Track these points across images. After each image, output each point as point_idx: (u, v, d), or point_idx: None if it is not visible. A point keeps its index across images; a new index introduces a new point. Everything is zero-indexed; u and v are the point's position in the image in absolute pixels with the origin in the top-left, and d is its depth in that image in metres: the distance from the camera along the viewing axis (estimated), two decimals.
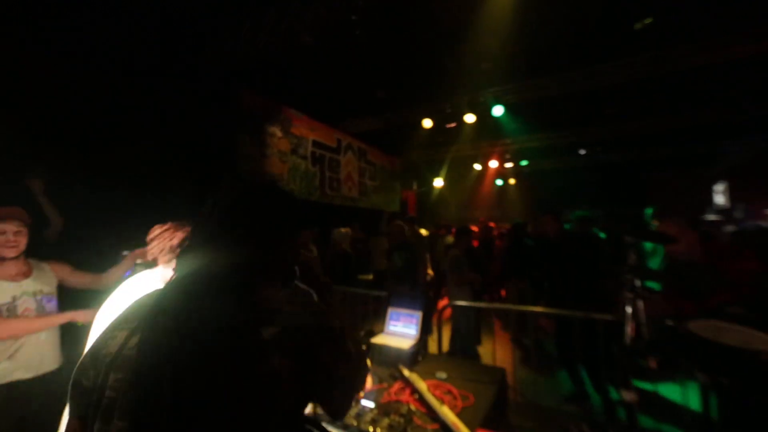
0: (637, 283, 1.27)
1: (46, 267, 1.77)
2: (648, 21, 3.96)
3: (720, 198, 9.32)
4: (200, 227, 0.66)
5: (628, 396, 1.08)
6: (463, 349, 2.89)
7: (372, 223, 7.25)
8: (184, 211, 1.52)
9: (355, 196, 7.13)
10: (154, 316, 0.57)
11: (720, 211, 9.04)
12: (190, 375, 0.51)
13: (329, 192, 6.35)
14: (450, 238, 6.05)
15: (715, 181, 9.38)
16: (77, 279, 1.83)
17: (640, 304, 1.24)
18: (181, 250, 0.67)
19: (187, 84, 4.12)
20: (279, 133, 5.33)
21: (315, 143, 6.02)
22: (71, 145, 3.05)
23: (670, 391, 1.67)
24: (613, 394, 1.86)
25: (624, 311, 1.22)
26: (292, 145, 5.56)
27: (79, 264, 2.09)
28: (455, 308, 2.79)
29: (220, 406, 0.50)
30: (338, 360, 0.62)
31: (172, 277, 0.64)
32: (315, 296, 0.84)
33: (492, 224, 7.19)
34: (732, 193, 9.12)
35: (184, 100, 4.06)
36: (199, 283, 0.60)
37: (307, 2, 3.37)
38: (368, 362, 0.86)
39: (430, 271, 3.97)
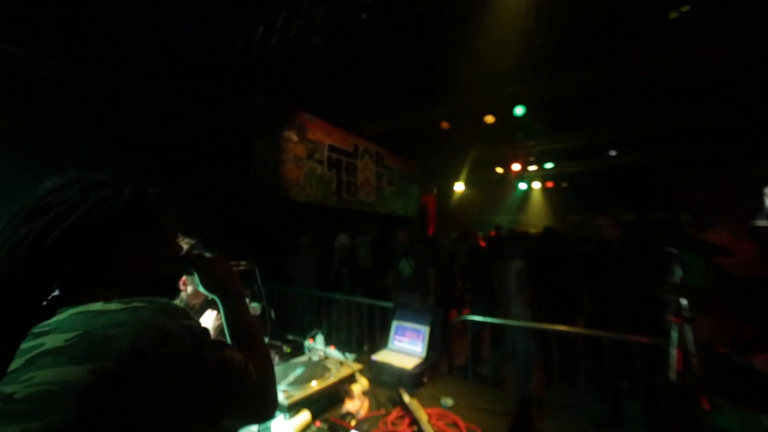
0: (684, 303, 1.04)
1: None
2: (685, 9, 3.62)
3: None
4: None
5: None
6: (519, 377, 2.58)
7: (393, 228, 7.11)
8: (193, 217, 1.45)
9: (372, 201, 7.00)
10: None
11: None
12: None
13: (346, 197, 6.26)
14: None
15: (764, 183, 8.54)
16: None
17: (688, 329, 1.01)
18: None
19: (202, 89, 4.16)
20: (295, 138, 5.31)
21: (331, 148, 5.96)
22: (81, 152, 3.09)
23: None
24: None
25: (669, 338, 0.99)
26: (308, 150, 5.52)
27: None
28: (512, 327, 2.55)
29: None
30: (177, 366, 0.47)
31: None
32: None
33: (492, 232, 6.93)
34: None
35: (198, 106, 4.10)
36: None
37: (316, 3, 3.30)
38: (273, 379, 0.68)
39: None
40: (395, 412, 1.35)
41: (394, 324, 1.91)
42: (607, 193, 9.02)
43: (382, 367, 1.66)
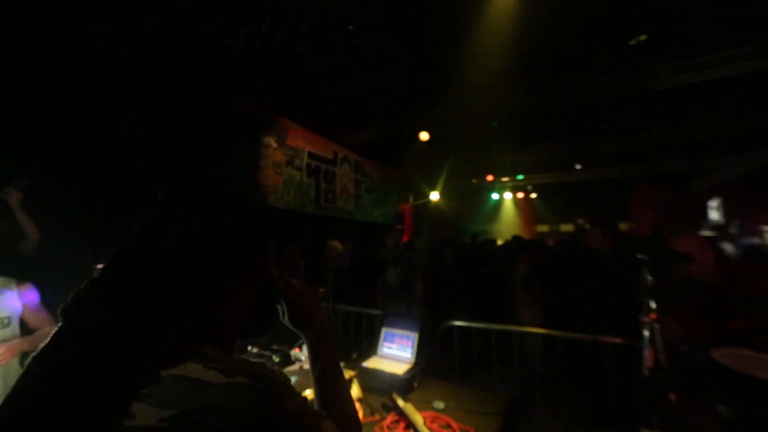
0: (653, 305, 1.16)
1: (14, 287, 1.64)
2: (642, 38, 4.00)
3: (714, 214, 9.33)
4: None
5: None
6: (526, 378, 2.61)
7: (372, 236, 7.14)
8: None
9: (350, 208, 7.02)
10: None
11: (714, 227, 9.03)
12: None
13: (324, 204, 6.24)
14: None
15: (708, 196, 9.41)
16: (35, 317, 1.67)
17: (657, 328, 1.12)
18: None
19: (180, 93, 4.04)
20: (274, 144, 5.25)
21: (310, 155, 5.94)
22: (51, 155, 2.93)
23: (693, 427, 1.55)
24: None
25: (642, 337, 1.10)
26: (287, 156, 5.48)
27: (56, 279, 1.96)
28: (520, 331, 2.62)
29: None
30: None
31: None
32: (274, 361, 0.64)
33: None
34: (726, 209, 9.14)
35: (175, 110, 3.98)
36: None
37: (305, 11, 3.34)
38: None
39: None
40: (390, 417, 1.38)
41: (383, 331, 1.94)
42: (573, 205, 9.56)
43: (374, 374, 1.69)
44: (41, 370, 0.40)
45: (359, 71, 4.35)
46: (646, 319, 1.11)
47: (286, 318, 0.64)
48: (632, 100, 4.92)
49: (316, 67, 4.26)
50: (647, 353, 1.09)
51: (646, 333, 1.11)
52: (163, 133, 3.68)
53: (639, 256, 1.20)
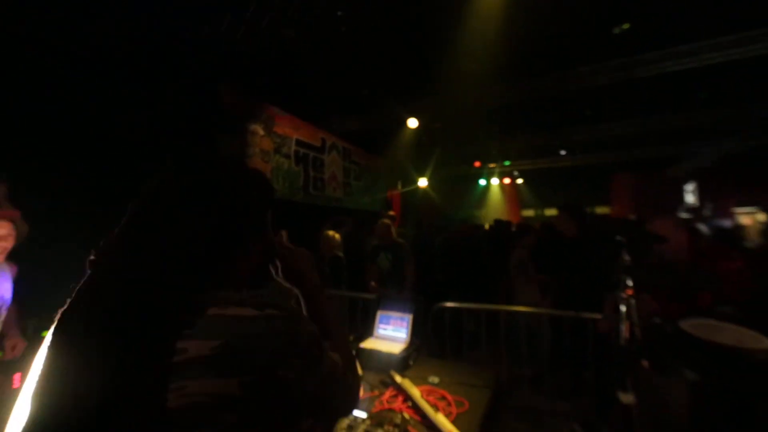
0: (630, 282, 1.26)
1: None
2: (626, 26, 4.08)
3: (690, 197, 9.76)
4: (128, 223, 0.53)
5: (625, 398, 1.07)
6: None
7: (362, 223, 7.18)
8: None
9: (339, 196, 7.03)
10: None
11: (690, 209, 9.47)
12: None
13: (313, 192, 6.23)
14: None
15: (684, 181, 9.82)
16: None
17: (633, 304, 1.23)
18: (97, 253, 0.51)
19: (163, 80, 3.93)
20: (261, 132, 5.18)
21: (299, 142, 5.89)
22: (36, 145, 2.85)
23: (662, 391, 1.70)
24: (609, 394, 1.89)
25: (619, 311, 1.21)
26: (275, 144, 5.42)
27: (46, 272, 1.96)
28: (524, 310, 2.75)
29: None
30: (308, 378, 0.50)
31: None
32: (296, 298, 0.71)
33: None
34: (700, 193, 9.57)
35: (159, 98, 3.87)
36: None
37: None
38: (359, 372, 0.73)
39: None
40: (388, 392, 1.47)
41: (379, 314, 2.02)
42: (563, 190, 9.80)
43: (371, 354, 1.78)
44: (87, 321, 0.46)
45: (347, 58, 4.31)
46: (623, 295, 1.21)
47: (280, 274, 0.70)
48: (615, 88, 5.04)
49: (304, 53, 4.20)
50: (623, 326, 1.19)
51: (623, 308, 1.21)
52: (151, 123, 3.59)
53: (617, 237, 1.30)
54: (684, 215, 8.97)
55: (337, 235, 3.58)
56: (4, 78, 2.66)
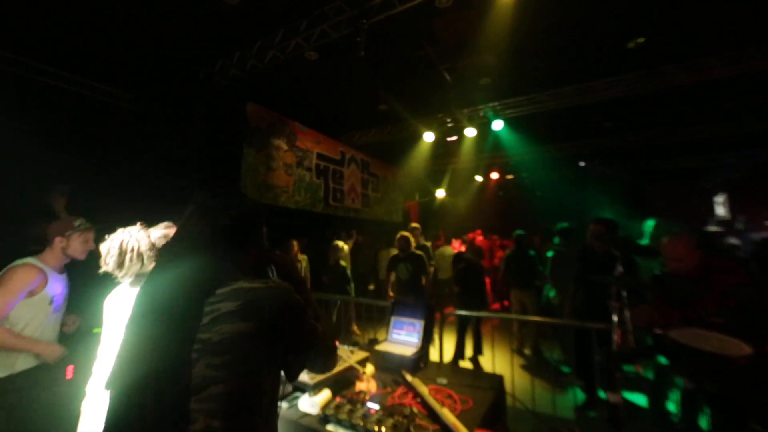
0: (624, 293, 1.36)
1: None
2: (640, 40, 4.13)
3: (720, 209, 9.37)
4: (180, 233, 0.83)
5: (612, 397, 1.17)
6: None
7: (379, 234, 7.34)
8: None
9: (358, 207, 7.25)
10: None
11: (721, 222, 9.08)
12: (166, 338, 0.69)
13: (333, 203, 6.48)
14: (449, 249, 6.15)
15: (714, 193, 9.45)
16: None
17: (627, 313, 1.33)
18: (161, 254, 0.84)
19: (195, 98, 4.30)
20: (285, 146, 5.49)
21: (319, 156, 6.18)
22: (88, 159, 3.20)
23: (653, 394, 1.75)
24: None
25: (611, 320, 1.31)
26: (297, 157, 5.72)
27: (95, 277, 2.23)
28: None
29: (197, 356, 0.67)
30: (294, 327, 0.77)
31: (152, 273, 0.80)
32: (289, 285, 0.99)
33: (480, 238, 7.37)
34: (731, 205, 9.17)
35: (192, 114, 4.24)
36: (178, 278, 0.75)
37: (315, 23, 3.56)
38: (335, 342, 1.02)
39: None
40: (400, 390, 1.61)
41: (393, 319, 2.17)
42: (583, 201, 9.63)
43: (385, 356, 1.92)
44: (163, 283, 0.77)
45: (365, 75, 4.56)
46: (615, 304, 1.32)
47: (275, 275, 0.97)
48: (635, 99, 5.04)
49: (325, 73, 4.48)
50: (615, 334, 1.29)
51: (615, 317, 1.31)
52: (179, 140, 3.93)
53: (613, 251, 1.40)
54: (714, 228, 8.62)
55: (345, 246, 3.78)
56: None
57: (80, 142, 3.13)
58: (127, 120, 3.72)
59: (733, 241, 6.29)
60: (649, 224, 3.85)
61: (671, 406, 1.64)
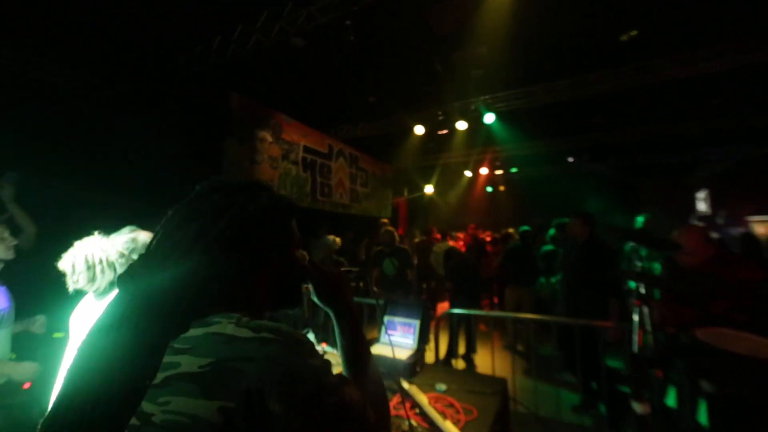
0: (642, 290, 1.24)
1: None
2: (633, 33, 4.07)
3: (702, 205, 9.57)
4: (155, 241, 0.50)
5: (640, 408, 1.04)
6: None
7: (366, 230, 7.17)
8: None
9: (346, 202, 7.06)
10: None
11: (702, 217, 9.28)
12: None
13: (320, 198, 6.27)
14: (442, 245, 6.03)
15: (696, 188, 9.64)
16: None
17: (646, 311, 1.21)
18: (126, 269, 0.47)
19: (174, 86, 4.03)
20: (270, 138, 5.25)
21: (306, 149, 5.95)
22: (46, 147, 2.92)
23: (674, 401, 1.66)
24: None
25: (631, 319, 1.19)
26: (283, 150, 5.48)
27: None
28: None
29: None
30: (295, 412, 0.44)
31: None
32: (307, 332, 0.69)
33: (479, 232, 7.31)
34: (713, 201, 9.38)
35: (170, 103, 3.96)
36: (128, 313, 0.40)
37: (301, 5, 3.35)
38: (388, 413, 0.67)
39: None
40: (395, 398, 1.46)
41: (386, 319, 2.01)
42: (572, 197, 9.68)
43: (378, 360, 1.76)
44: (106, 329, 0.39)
45: (357, 67, 4.37)
46: (636, 303, 1.19)
47: (314, 295, 0.70)
48: (624, 94, 5.01)
49: (312, 62, 4.27)
50: (636, 335, 1.17)
51: (635, 316, 1.19)
52: (156, 129, 3.66)
53: (630, 243, 1.28)
54: (697, 223, 8.79)
55: (338, 239, 3.58)
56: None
57: (35, 126, 2.83)
58: (90, 104, 3.40)
59: (715, 236, 6.38)
60: (639, 219, 3.85)
61: (700, 414, 1.55)
